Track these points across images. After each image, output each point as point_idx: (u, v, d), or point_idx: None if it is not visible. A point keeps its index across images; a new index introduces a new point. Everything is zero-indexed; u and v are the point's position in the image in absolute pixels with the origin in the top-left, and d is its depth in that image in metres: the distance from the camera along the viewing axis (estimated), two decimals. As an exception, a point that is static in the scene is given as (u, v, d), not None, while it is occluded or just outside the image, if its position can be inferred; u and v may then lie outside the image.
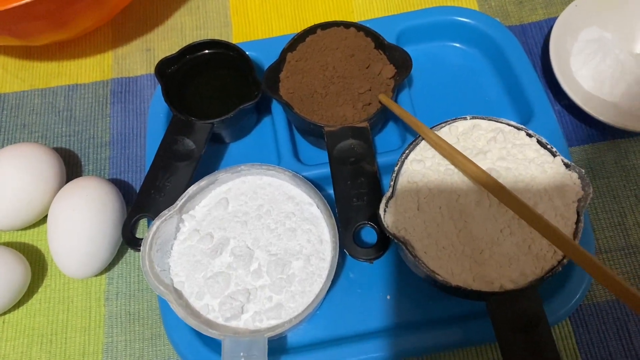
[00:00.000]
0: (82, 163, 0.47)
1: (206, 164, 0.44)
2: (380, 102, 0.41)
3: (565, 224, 0.34)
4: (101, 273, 0.43)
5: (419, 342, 0.37)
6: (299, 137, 0.46)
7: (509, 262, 0.34)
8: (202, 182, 0.39)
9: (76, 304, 0.42)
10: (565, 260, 0.33)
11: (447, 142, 0.36)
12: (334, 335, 0.39)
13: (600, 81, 0.46)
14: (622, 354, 0.38)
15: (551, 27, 0.47)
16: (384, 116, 0.43)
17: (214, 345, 0.37)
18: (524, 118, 0.44)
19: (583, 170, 0.35)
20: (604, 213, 0.43)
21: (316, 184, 0.39)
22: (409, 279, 0.40)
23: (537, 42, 0.50)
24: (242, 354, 0.33)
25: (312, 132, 0.42)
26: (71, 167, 0.47)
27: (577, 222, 0.34)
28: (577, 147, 0.45)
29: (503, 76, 0.47)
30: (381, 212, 0.35)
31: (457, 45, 0.49)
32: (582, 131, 0.46)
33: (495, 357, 0.39)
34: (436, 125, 0.38)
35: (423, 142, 0.38)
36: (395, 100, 0.44)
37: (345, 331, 0.39)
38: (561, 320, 0.37)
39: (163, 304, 0.39)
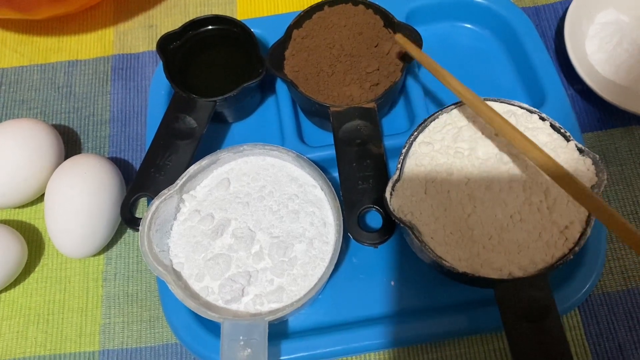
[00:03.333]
0: (82, 140, 0.46)
1: (208, 144, 0.43)
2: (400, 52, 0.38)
3: (577, 211, 0.33)
4: (99, 253, 0.42)
5: (423, 329, 0.36)
6: (303, 118, 0.45)
7: (518, 249, 0.33)
8: (203, 162, 0.37)
9: (73, 284, 0.41)
10: (577, 248, 0.32)
11: (473, 92, 0.34)
12: (337, 320, 0.38)
13: (616, 65, 0.44)
14: (631, 345, 0.37)
15: (566, 9, 0.45)
16: (392, 97, 0.42)
17: (213, 328, 0.37)
18: (537, 102, 0.43)
19: (597, 156, 0.34)
20: (616, 201, 0.41)
21: (321, 167, 0.38)
22: (414, 264, 0.39)
23: (551, 24, 0.49)
24: (241, 337, 0.33)
25: (317, 112, 0.41)
26: (70, 145, 0.46)
27: (590, 209, 0.33)
28: (590, 133, 0.44)
29: (515, 59, 0.45)
30: (387, 195, 0.34)
31: (469, 26, 0.48)
32: (595, 117, 0.45)
33: (500, 346, 0.38)
34: (446, 107, 0.37)
35: (432, 124, 0.37)
36: (404, 81, 0.43)
37: (347, 317, 0.38)
38: (570, 310, 0.36)
39: (162, 286, 0.38)
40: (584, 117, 0.45)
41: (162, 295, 0.38)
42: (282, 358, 0.36)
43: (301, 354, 0.36)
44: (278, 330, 0.38)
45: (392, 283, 0.39)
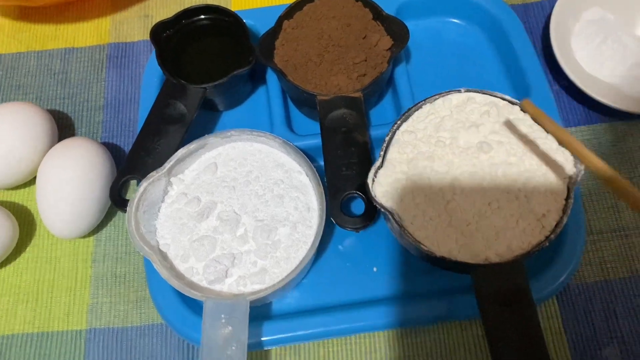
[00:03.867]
0: (75, 126, 0.47)
1: (198, 131, 0.44)
2: (523, 109, 0.36)
3: (555, 200, 0.34)
4: (89, 234, 0.43)
5: (404, 315, 0.37)
6: (292, 108, 0.45)
7: (495, 235, 0.33)
8: (191, 146, 0.38)
9: (63, 264, 0.42)
10: (552, 236, 0.33)
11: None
12: (319, 304, 0.39)
13: (600, 62, 0.45)
14: (607, 335, 0.38)
15: (553, 7, 0.46)
16: (379, 88, 0.43)
17: (197, 309, 0.37)
18: (521, 96, 0.43)
19: (576, 147, 0.35)
20: (597, 195, 0.42)
21: (308, 155, 0.38)
22: (396, 252, 0.40)
23: (539, 22, 0.50)
24: (223, 315, 0.33)
25: (305, 101, 0.42)
26: (64, 130, 0.47)
27: (567, 198, 0.34)
28: (574, 128, 0.45)
29: (502, 54, 0.46)
30: (369, 181, 0.35)
31: (458, 21, 0.48)
32: (580, 112, 0.45)
33: (479, 332, 0.38)
34: (430, 97, 0.38)
35: (416, 113, 0.38)
36: (392, 73, 0.44)
37: (330, 301, 0.39)
38: (548, 298, 0.37)
39: (149, 267, 0.39)
40: (569, 112, 0.45)
41: (148, 277, 0.39)
42: (263, 338, 0.36)
43: (283, 335, 0.37)
44: (262, 313, 0.38)
45: (375, 269, 0.39)
